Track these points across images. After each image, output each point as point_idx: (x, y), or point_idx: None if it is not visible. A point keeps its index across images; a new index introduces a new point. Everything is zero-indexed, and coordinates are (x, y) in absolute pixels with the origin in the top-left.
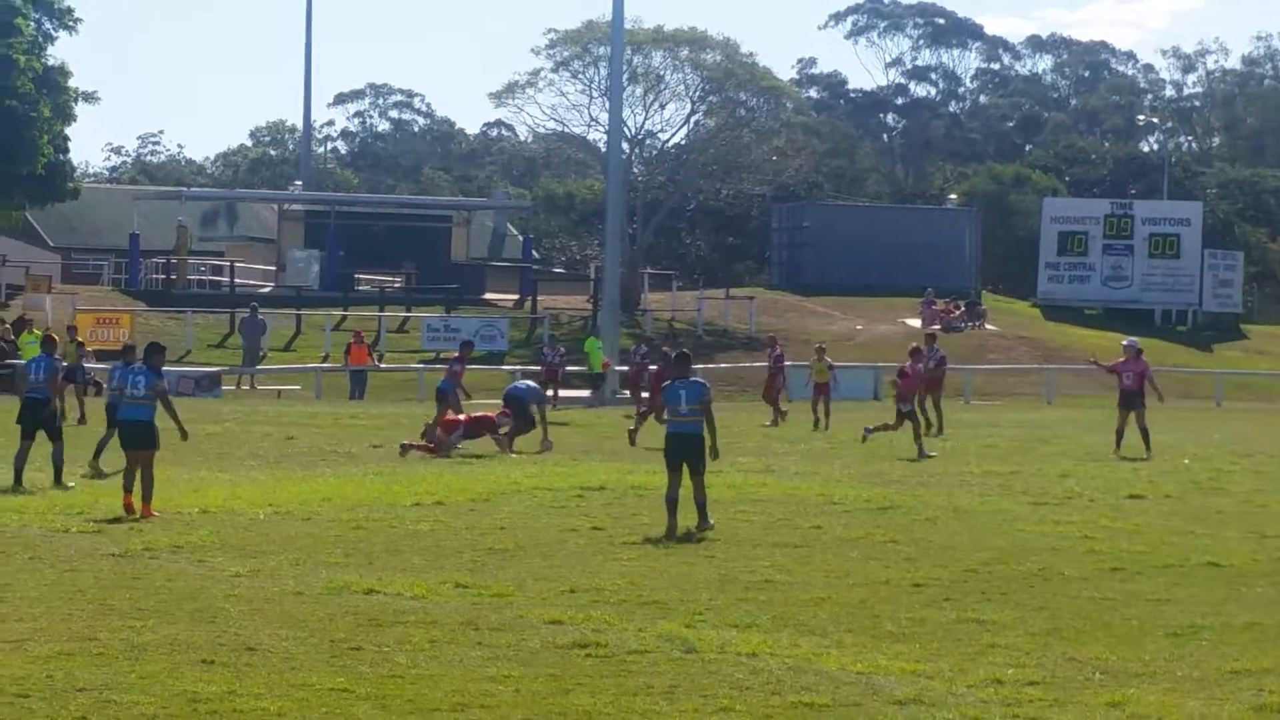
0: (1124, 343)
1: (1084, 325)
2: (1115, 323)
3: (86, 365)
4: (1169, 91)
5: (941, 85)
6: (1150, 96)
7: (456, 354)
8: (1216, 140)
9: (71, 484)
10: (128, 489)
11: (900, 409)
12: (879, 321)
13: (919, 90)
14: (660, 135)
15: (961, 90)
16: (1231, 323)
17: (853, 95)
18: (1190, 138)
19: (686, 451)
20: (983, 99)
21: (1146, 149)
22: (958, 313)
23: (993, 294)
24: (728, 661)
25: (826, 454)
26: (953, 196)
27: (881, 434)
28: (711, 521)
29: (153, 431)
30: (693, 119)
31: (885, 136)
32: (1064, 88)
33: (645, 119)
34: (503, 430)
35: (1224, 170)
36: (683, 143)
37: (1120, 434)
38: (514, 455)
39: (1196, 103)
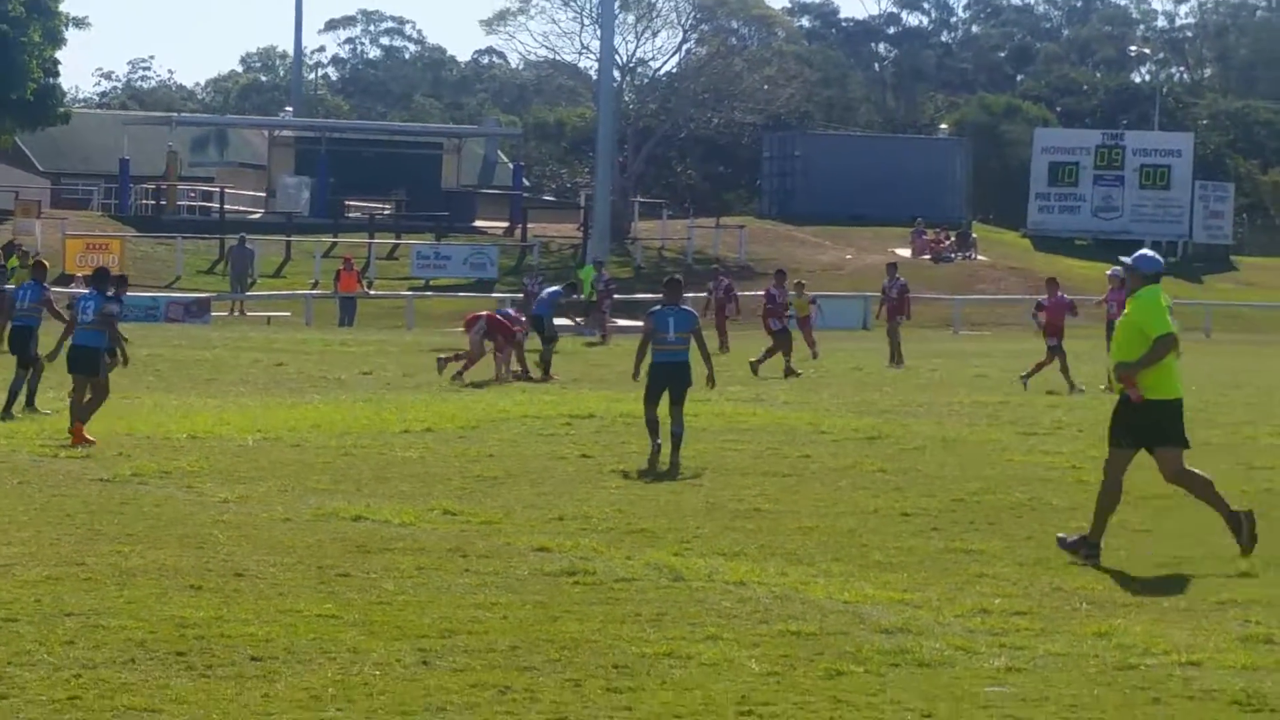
0: (1108, 272)
1: (1074, 256)
2: (1105, 253)
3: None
4: (1161, 22)
5: (933, 15)
6: (1142, 27)
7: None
8: (1208, 71)
9: (48, 411)
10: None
11: (1049, 344)
12: (869, 251)
13: (911, 20)
14: (652, 63)
15: (953, 20)
16: (1222, 254)
17: (844, 24)
18: (1182, 69)
19: (672, 380)
20: (975, 29)
21: (1138, 80)
22: (948, 243)
23: (983, 224)
24: (715, 589)
25: (816, 384)
26: (944, 126)
27: (1035, 375)
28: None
29: (99, 358)
30: (684, 47)
31: (877, 66)
32: (1056, 18)
33: (637, 47)
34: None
35: (1215, 101)
36: (674, 71)
37: None
38: (511, 379)
39: (1189, 33)
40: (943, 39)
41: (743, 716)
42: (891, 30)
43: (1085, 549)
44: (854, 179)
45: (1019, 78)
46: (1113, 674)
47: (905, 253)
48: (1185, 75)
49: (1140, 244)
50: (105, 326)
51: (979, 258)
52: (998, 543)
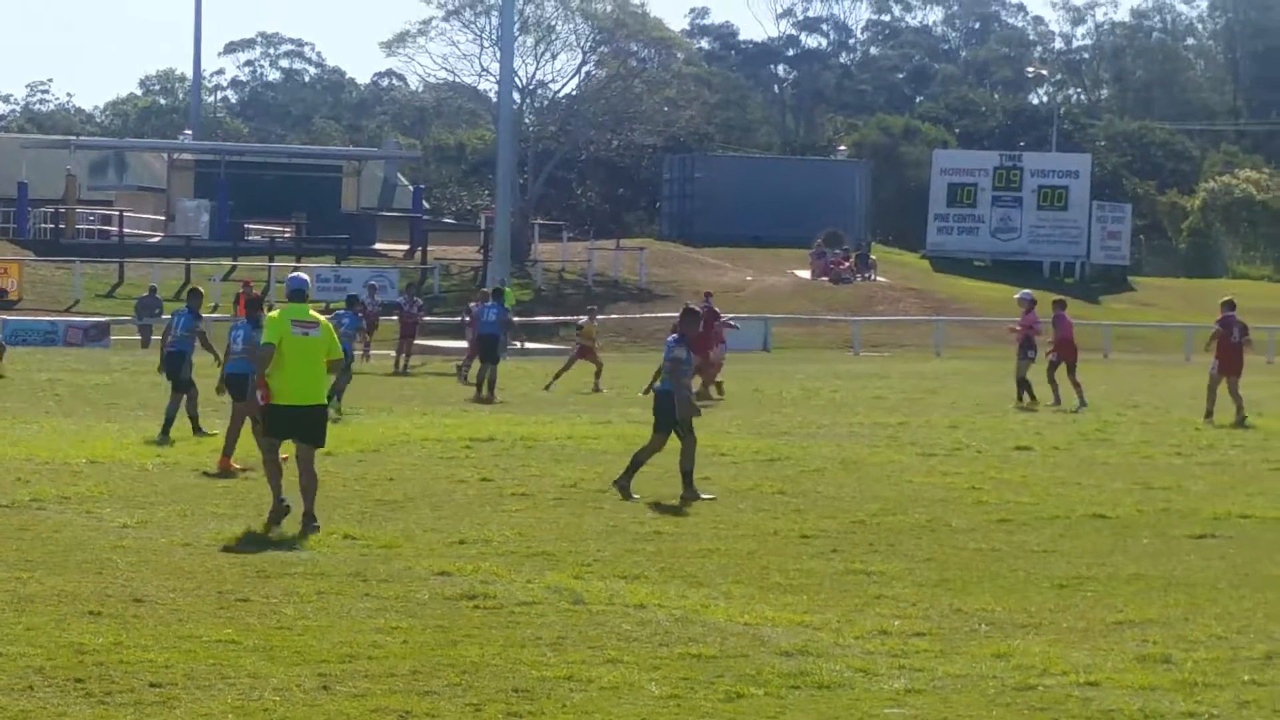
0: (1016, 296)
1: (973, 277)
2: (1004, 275)
3: None
4: (1058, 44)
5: (832, 36)
6: (1040, 49)
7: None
8: (1105, 92)
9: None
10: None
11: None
12: (769, 273)
13: (810, 41)
14: (551, 85)
15: (852, 41)
16: (1119, 275)
17: (744, 46)
18: (1079, 90)
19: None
20: (873, 50)
21: (1036, 101)
22: (847, 264)
23: (882, 246)
24: (616, 613)
25: (716, 406)
26: (843, 148)
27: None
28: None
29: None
30: (584, 69)
31: (776, 88)
32: (954, 39)
33: (536, 69)
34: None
35: (1112, 123)
36: (574, 93)
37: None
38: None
39: (1085, 55)
40: (841, 61)
41: None
42: (791, 52)
43: None
44: (753, 201)
45: (918, 99)
46: (1011, 695)
47: (805, 274)
48: (1083, 96)
49: (1038, 265)
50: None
51: (878, 279)
52: (897, 564)
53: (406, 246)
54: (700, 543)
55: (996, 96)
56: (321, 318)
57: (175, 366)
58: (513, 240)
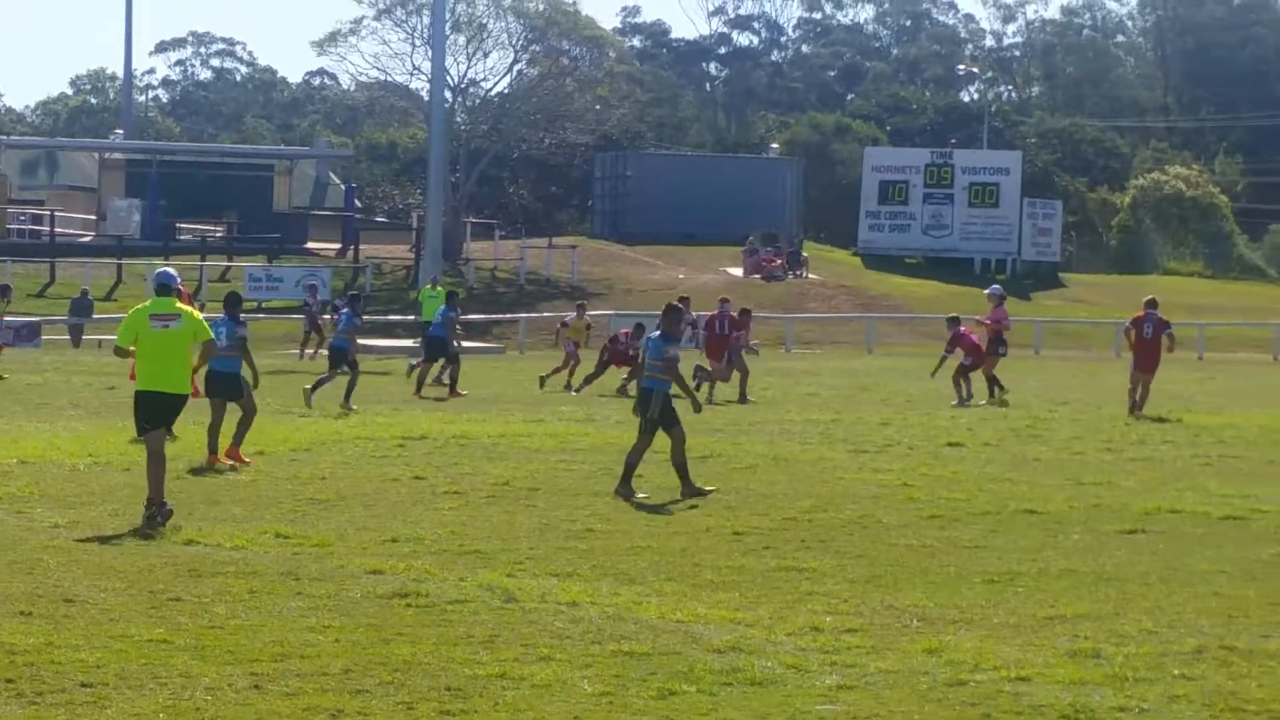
0: (987, 291)
1: (904, 274)
2: (935, 271)
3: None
4: (989, 41)
5: (764, 34)
6: (971, 46)
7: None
8: (1036, 90)
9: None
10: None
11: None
12: (701, 270)
13: (741, 39)
14: (483, 84)
15: (784, 39)
16: (1050, 271)
17: (676, 44)
18: (1010, 87)
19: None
20: (805, 48)
21: (967, 98)
22: (778, 262)
23: (814, 243)
24: (548, 610)
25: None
26: (774, 146)
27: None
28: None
29: (239, 382)
30: (516, 68)
31: (708, 86)
32: (885, 37)
33: (468, 68)
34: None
35: (1043, 120)
36: (506, 91)
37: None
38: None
39: (1016, 52)
40: (773, 59)
41: None
42: (722, 50)
43: None
44: (685, 198)
45: (849, 97)
46: (943, 690)
47: (737, 272)
48: (1014, 94)
49: (970, 262)
50: (240, 352)
51: (810, 276)
52: (829, 561)
53: (338, 245)
54: (632, 540)
55: (928, 94)
56: (187, 308)
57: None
58: (445, 239)
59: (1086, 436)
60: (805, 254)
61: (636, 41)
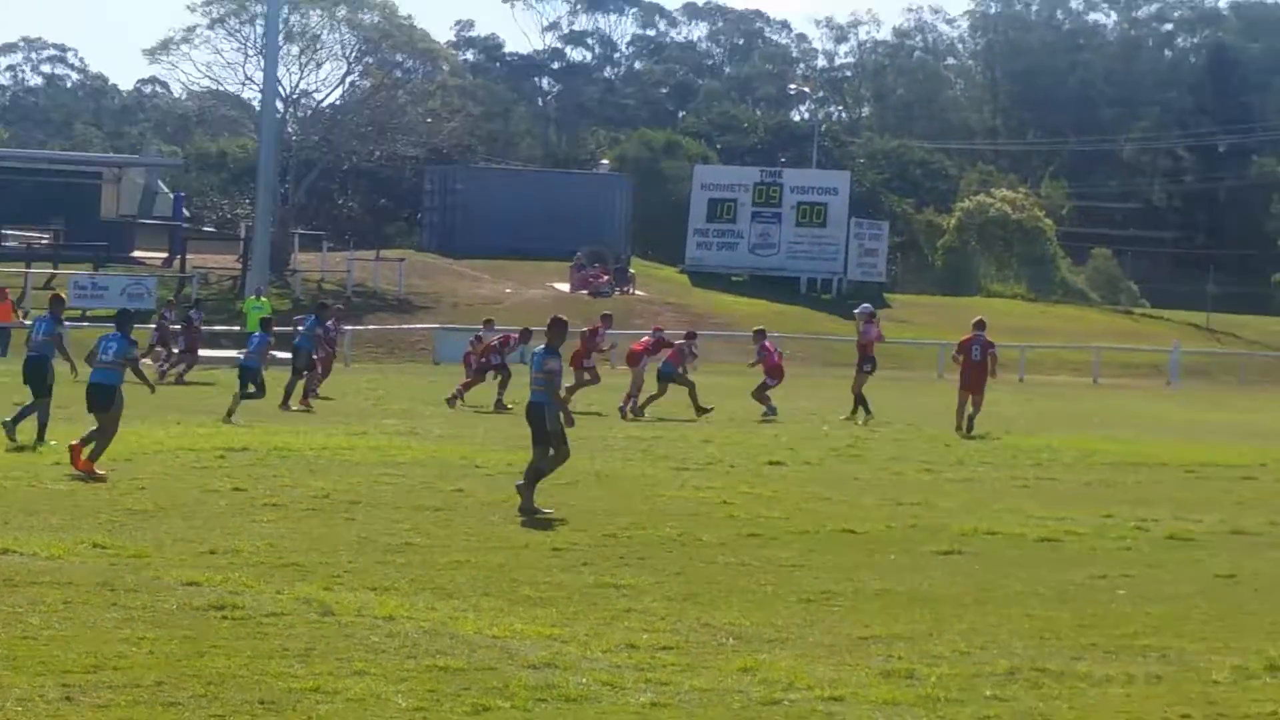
0: (855, 310)
1: (731, 292)
2: (761, 290)
3: None
4: (821, 61)
5: (597, 50)
6: (803, 66)
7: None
8: (866, 110)
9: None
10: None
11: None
12: (528, 285)
13: (575, 55)
14: (315, 95)
15: (617, 56)
16: (875, 291)
17: (509, 58)
18: (840, 108)
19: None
20: (638, 65)
21: (797, 118)
22: (605, 278)
23: (642, 260)
24: (364, 624)
25: (471, 418)
26: (605, 161)
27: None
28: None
29: (114, 395)
30: (348, 79)
31: (540, 101)
32: (718, 55)
33: (300, 78)
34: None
35: (872, 140)
36: (338, 103)
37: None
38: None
39: (848, 73)
40: (606, 75)
41: None
42: (555, 65)
43: None
44: (515, 213)
45: (680, 114)
46: (757, 709)
47: (564, 287)
48: (844, 114)
49: (796, 281)
50: (124, 367)
51: (636, 292)
52: (647, 578)
53: (166, 254)
54: (451, 555)
55: (759, 113)
56: None
57: (39, 373)
58: (273, 249)
59: (906, 457)
60: (633, 271)
61: (470, 55)
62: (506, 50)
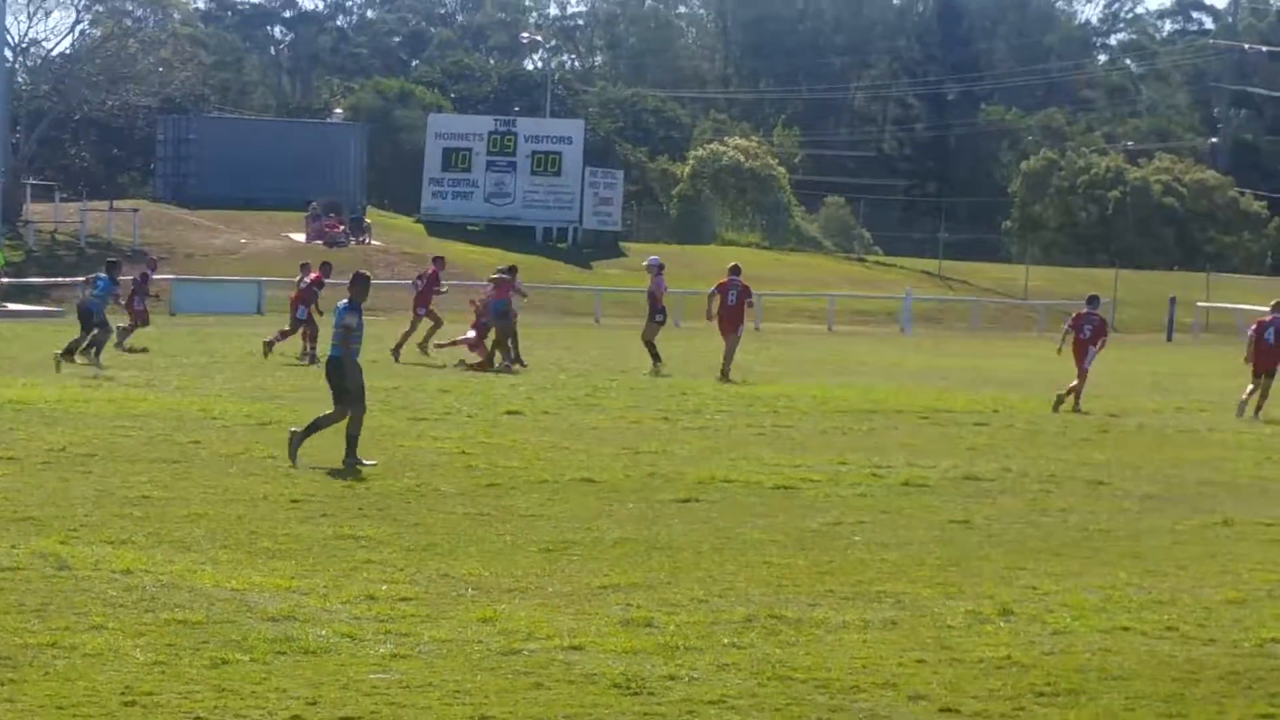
0: (644, 262)
1: (467, 241)
2: (497, 239)
3: None
4: (553, 10)
5: None
6: (535, 14)
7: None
8: (599, 59)
9: None
10: None
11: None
12: (263, 235)
13: (307, 3)
14: (45, 44)
15: (349, 4)
16: (611, 240)
17: (240, 7)
18: (573, 56)
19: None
20: (370, 14)
21: (531, 67)
22: (341, 228)
23: (378, 209)
24: (101, 578)
25: (208, 369)
26: (339, 111)
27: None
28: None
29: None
30: (78, 28)
31: (273, 49)
32: (451, 4)
33: (29, 26)
34: None
35: (606, 89)
36: (68, 52)
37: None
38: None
39: (580, 22)
40: (338, 24)
41: (126, 706)
42: (287, 14)
43: None
44: (249, 163)
45: (414, 63)
46: (497, 659)
47: (299, 237)
48: (577, 63)
49: (532, 230)
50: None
51: (373, 243)
52: (386, 529)
53: None
54: (189, 507)
55: (492, 62)
56: None
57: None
58: (4, 200)
59: (644, 405)
60: (369, 220)
61: (201, 3)
62: None
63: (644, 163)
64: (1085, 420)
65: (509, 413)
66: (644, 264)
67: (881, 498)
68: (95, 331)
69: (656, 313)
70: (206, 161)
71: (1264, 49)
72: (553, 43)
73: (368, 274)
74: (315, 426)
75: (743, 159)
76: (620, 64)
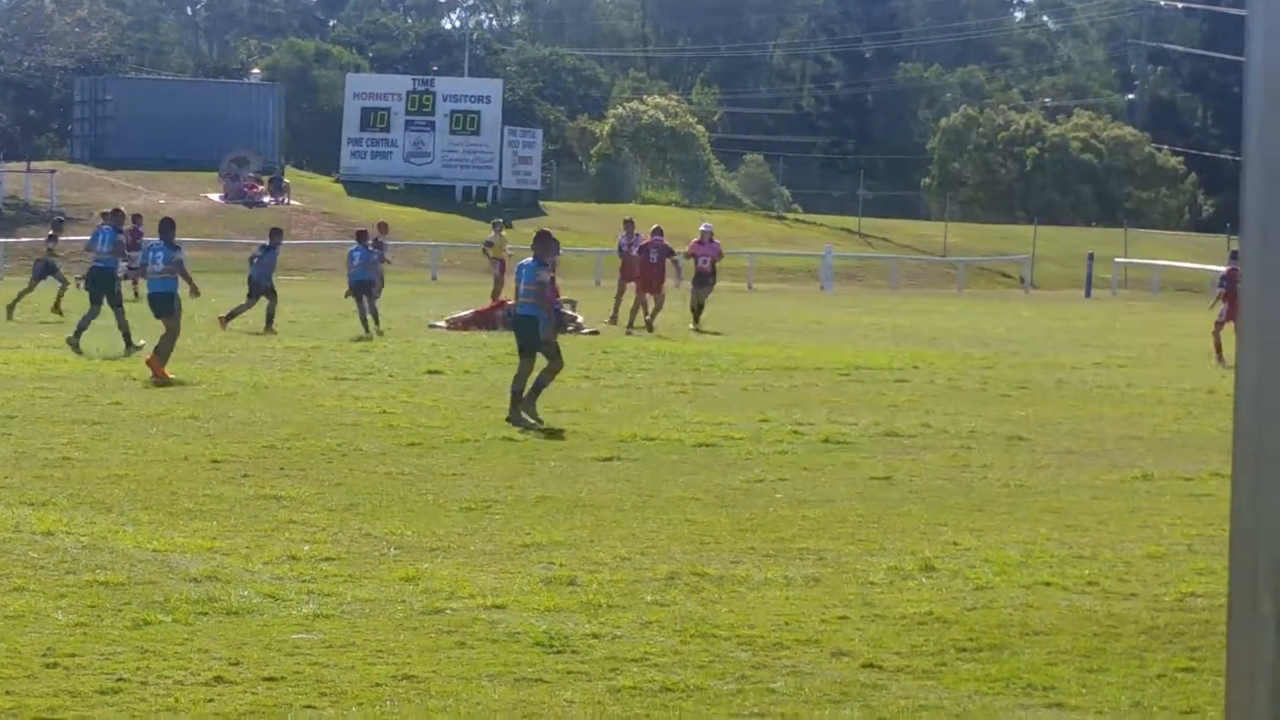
0: (701, 226)
1: (387, 201)
2: (417, 198)
3: None
4: None
5: None
6: None
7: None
8: (517, 19)
9: None
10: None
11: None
12: (182, 196)
13: None
14: None
15: None
16: (530, 199)
17: None
18: (491, 15)
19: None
20: None
21: (449, 26)
22: (260, 188)
23: (297, 169)
24: (22, 540)
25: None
26: (256, 71)
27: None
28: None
29: (173, 301)
30: None
31: (189, 9)
32: None
33: None
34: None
35: (524, 49)
36: None
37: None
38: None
39: None
40: None
41: (48, 668)
42: None
43: None
44: (166, 123)
45: (331, 23)
46: (419, 618)
47: (217, 197)
48: (495, 23)
49: (451, 189)
50: (175, 273)
51: (292, 203)
52: (308, 489)
53: None
54: (110, 468)
55: (410, 21)
56: None
57: (103, 283)
58: None
59: (569, 364)
60: (287, 180)
61: None
62: None
63: (563, 121)
64: (1004, 376)
65: (430, 372)
66: (700, 229)
67: (803, 455)
68: (268, 302)
69: (710, 275)
70: (124, 122)
71: (1179, 5)
72: (470, 2)
73: (551, 232)
74: (537, 388)
75: (662, 118)
76: (538, 23)
